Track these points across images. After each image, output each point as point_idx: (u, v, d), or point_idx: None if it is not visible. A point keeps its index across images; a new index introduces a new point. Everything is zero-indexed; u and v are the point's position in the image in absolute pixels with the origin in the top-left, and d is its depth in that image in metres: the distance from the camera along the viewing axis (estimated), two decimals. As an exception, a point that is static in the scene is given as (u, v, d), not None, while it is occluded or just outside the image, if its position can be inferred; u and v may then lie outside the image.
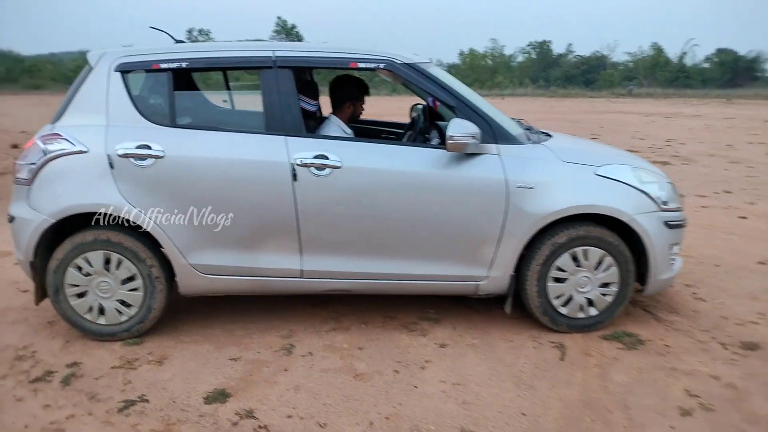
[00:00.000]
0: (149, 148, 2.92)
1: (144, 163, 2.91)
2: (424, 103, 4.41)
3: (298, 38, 53.53)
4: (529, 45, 67.06)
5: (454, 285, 3.15)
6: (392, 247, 3.06)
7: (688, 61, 67.31)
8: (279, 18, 59.46)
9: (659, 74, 61.78)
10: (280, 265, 3.06)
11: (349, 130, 3.49)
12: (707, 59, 66.96)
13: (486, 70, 58.71)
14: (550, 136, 3.49)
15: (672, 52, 67.17)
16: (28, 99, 28.72)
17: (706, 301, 3.69)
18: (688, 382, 2.71)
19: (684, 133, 14.50)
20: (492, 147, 3.01)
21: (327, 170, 2.92)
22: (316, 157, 2.92)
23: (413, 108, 4.58)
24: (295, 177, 2.91)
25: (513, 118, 3.56)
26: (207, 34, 56.49)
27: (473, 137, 2.87)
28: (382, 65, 3.04)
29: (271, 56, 3.01)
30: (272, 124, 2.98)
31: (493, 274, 3.11)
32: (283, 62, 3.01)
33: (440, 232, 3.03)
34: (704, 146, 11.70)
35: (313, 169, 2.92)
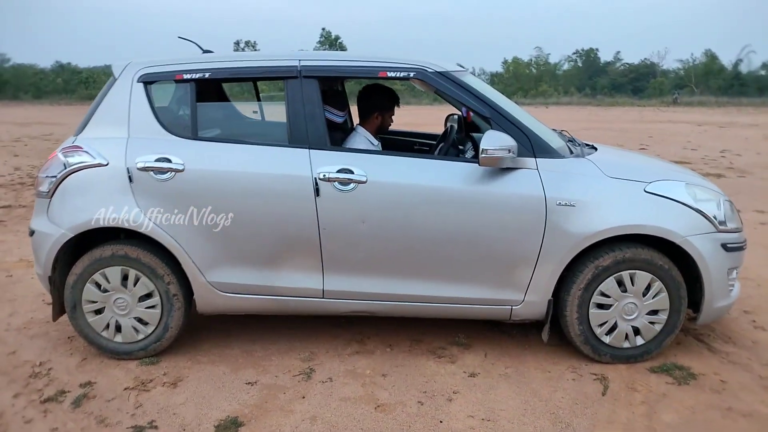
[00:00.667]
0: (169, 161, 2.82)
1: (163, 176, 2.81)
2: (459, 112, 4.26)
3: (342, 49, 54.06)
4: (575, 53, 65.96)
5: (486, 309, 2.93)
6: (420, 267, 2.87)
7: (744, 69, 64.78)
8: (323, 29, 60.21)
9: (712, 82, 59.64)
10: (300, 284, 2.91)
11: (376, 142, 3.32)
12: (764, 66, 64.34)
13: (530, 78, 57.92)
14: (594, 148, 3.23)
15: (726, 59, 64.84)
16: (82, 109, 29.86)
17: (767, 330, 3.35)
18: (746, 426, 2.41)
19: (739, 143, 13.76)
20: (530, 161, 2.78)
21: (351, 185, 2.76)
22: (339, 171, 2.77)
23: (448, 118, 4.39)
24: (317, 192, 2.76)
25: (554, 130, 3.31)
26: (253, 46, 57.63)
27: (509, 151, 2.65)
28: (412, 74, 2.86)
29: (296, 66, 2.88)
30: (296, 136, 2.84)
31: (529, 298, 2.87)
32: (309, 72, 2.87)
33: (472, 253, 2.82)
34: (762, 158, 11.04)
35: (336, 183, 2.76)
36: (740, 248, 2.91)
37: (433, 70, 2.87)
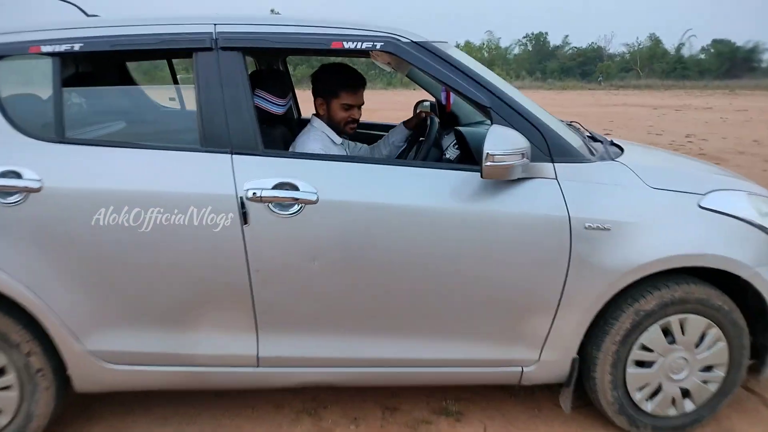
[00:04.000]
0: (18, 176, 1.87)
1: (10, 199, 1.86)
2: (432, 99, 3.41)
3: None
4: (525, 37, 66.26)
5: (487, 373, 2.14)
6: (396, 320, 2.04)
7: (685, 53, 66.66)
8: (273, 11, 58.07)
9: (656, 65, 61.05)
10: (225, 349, 2.03)
11: (339, 141, 2.46)
12: (704, 50, 66.32)
13: (482, 62, 57.49)
14: (619, 148, 2.44)
15: (669, 44, 66.50)
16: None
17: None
18: None
19: (701, 127, 13.49)
20: (546, 167, 1.98)
21: (296, 207, 1.89)
22: (278, 186, 1.89)
23: (418, 105, 3.55)
24: (245, 218, 1.88)
25: (563, 122, 2.52)
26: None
27: (522, 155, 1.84)
28: (379, 45, 1.99)
29: (210, 33, 1.97)
30: (211, 135, 1.94)
31: (546, 357, 2.09)
32: (229, 41, 1.96)
33: (469, 298, 2.01)
34: (729, 142, 10.69)
35: (273, 205, 1.88)
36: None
37: (408, 40, 2.01)
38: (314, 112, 2.46)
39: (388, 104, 17.80)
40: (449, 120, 3.20)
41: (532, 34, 65.70)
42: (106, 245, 1.90)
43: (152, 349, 2.01)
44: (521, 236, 1.96)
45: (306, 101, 4.23)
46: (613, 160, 2.15)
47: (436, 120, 2.47)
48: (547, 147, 1.99)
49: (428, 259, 1.96)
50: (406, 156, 2.62)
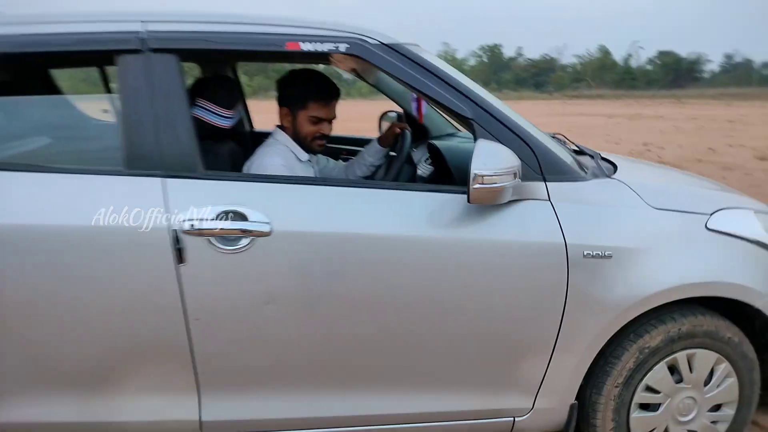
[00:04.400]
0: None
1: None
2: (399, 109, 3.13)
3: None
4: (480, 48, 67.40)
5: (472, 426, 1.84)
6: (366, 371, 1.73)
7: (633, 64, 69.11)
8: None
9: (606, 76, 63.02)
10: (161, 414, 1.67)
11: (305, 157, 2.12)
12: (650, 61, 68.91)
13: (438, 73, 58.02)
14: (612, 163, 2.19)
15: (618, 55, 68.82)
16: None
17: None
18: None
19: (656, 136, 13.69)
20: (538, 187, 1.71)
21: (244, 241, 1.56)
22: (221, 216, 1.56)
23: (383, 118, 3.27)
24: (180, 256, 1.54)
25: (548, 134, 2.26)
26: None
27: (514, 175, 1.57)
28: (343, 47, 1.69)
29: (138, 32, 1.62)
30: (139, 154, 1.60)
31: (541, 404, 1.81)
32: (161, 42, 1.62)
33: (451, 341, 1.72)
34: (686, 151, 10.83)
35: (215, 239, 1.55)
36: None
37: (377, 41, 1.72)
38: (278, 124, 2.14)
39: (349, 115, 17.56)
40: (419, 133, 2.93)
41: (487, 46, 66.91)
42: (7, 289, 1.52)
43: (67, 418, 1.64)
44: (511, 267, 1.68)
45: (261, 112, 3.90)
46: (608, 177, 1.90)
47: (408, 134, 2.18)
48: (538, 164, 1.72)
49: (404, 297, 1.66)
50: (384, 177, 2.24)
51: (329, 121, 2.12)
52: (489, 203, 1.58)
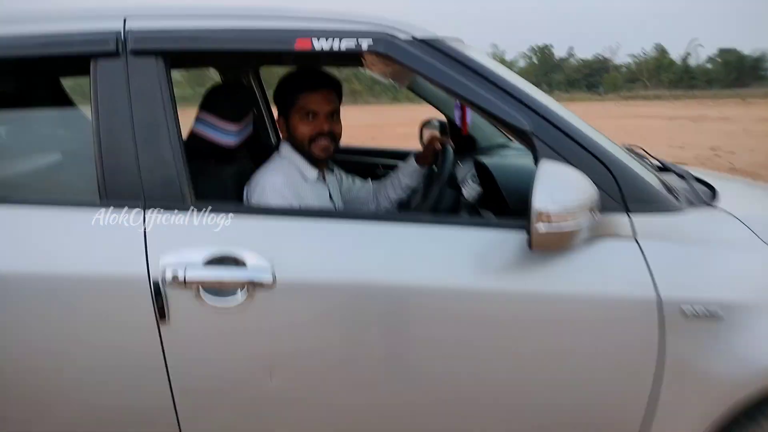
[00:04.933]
0: None
1: None
2: (442, 117, 2.75)
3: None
4: (530, 49, 66.05)
5: None
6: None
7: (692, 62, 66.26)
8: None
9: (663, 76, 60.59)
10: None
11: (313, 175, 1.77)
12: (710, 60, 65.83)
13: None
14: (709, 186, 1.74)
15: (675, 53, 66.18)
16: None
17: None
18: None
19: (724, 139, 12.75)
20: (620, 222, 1.30)
21: (240, 293, 1.23)
22: (213, 261, 1.23)
23: (425, 126, 2.90)
24: (162, 312, 1.23)
25: (625, 147, 1.84)
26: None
27: (591, 210, 1.17)
28: (366, 43, 1.33)
29: (116, 32, 1.32)
30: (115, 181, 1.29)
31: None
32: (143, 42, 1.31)
33: (501, 423, 1.34)
34: (758, 155, 9.96)
35: (205, 291, 1.23)
36: None
37: (409, 36, 1.36)
38: (285, 137, 1.80)
39: (396, 119, 17.25)
40: (464, 144, 2.55)
41: (537, 46, 65.52)
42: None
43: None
44: (583, 330, 1.29)
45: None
46: (708, 205, 1.47)
47: (450, 150, 1.79)
48: (620, 191, 1.31)
49: (442, 367, 1.29)
50: (421, 203, 1.79)
51: (329, 115, 1.72)
52: (557, 250, 1.19)
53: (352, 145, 2.94)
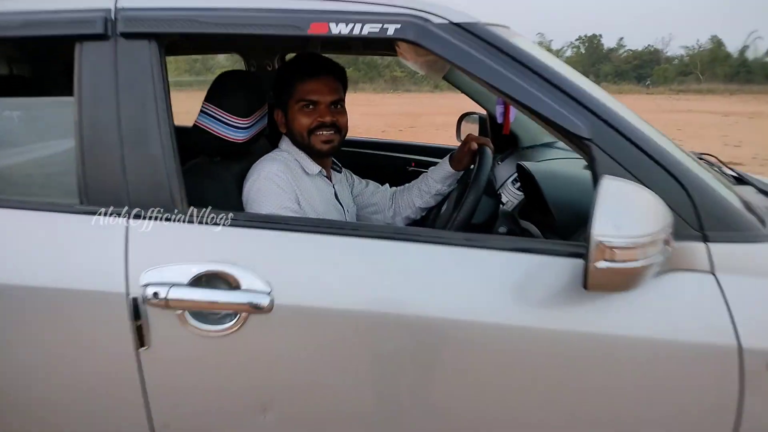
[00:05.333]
0: None
1: None
2: (483, 111, 2.52)
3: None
4: (578, 39, 64.26)
5: None
6: None
7: (750, 55, 63.28)
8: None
9: (718, 69, 58.07)
10: None
11: (315, 169, 1.56)
12: (768, 53, 62.75)
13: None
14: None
15: (732, 46, 63.42)
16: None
17: None
18: None
19: (783, 138, 12.02)
20: (694, 251, 1.06)
21: (232, 319, 1.05)
22: (201, 279, 1.06)
23: (464, 119, 2.67)
24: (141, 336, 1.06)
25: (696, 155, 1.57)
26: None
27: (665, 242, 0.94)
28: (394, 29, 1.11)
29: (106, 11, 1.14)
30: (97, 182, 1.12)
31: None
32: (135, 24, 1.13)
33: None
34: (824, 157, 9.31)
35: (191, 315, 1.05)
36: None
37: (445, 20, 1.13)
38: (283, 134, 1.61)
39: (435, 108, 16.91)
40: (505, 141, 2.31)
41: (585, 36, 63.69)
42: None
43: None
44: (643, 382, 1.06)
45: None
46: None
47: (489, 153, 1.54)
48: (697, 215, 1.07)
49: (467, 412, 1.08)
50: (453, 214, 1.46)
51: (332, 105, 1.51)
52: (619, 291, 0.96)
53: (382, 138, 2.73)
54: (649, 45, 64.52)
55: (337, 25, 1.12)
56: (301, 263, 1.08)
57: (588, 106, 1.10)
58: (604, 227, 0.87)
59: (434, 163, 2.52)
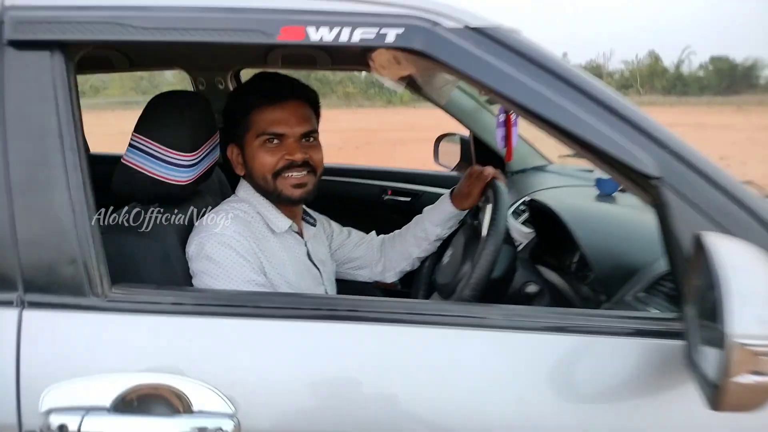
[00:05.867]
0: None
1: None
2: (465, 132, 2.25)
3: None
4: (524, 55, 66.38)
5: None
6: None
7: (685, 70, 66.54)
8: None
9: (657, 82, 60.71)
10: None
11: (284, 225, 1.20)
12: (701, 67, 66.04)
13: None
14: None
15: (668, 60, 66.57)
16: None
17: None
18: None
19: (731, 148, 12.39)
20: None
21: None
22: (130, 403, 0.72)
23: (443, 140, 2.41)
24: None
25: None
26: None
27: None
28: (394, 34, 0.81)
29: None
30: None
31: None
32: (29, 29, 0.79)
33: None
34: (771, 166, 9.60)
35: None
36: None
37: (461, 23, 0.84)
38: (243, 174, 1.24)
39: (389, 124, 16.72)
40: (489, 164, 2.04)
41: (531, 51, 65.79)
42: None
43: None
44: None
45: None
46: None
47: (503, 189, 1.24)
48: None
49: None
50: (461, 266, 1.18)
51: (302, 138, 1.17)
52: (754, 410, 0.68)
53: (352, 165, 2.44)
54: (591, 59, 66.99)
55: (317, 30, 0.81)
56: (281, 365, 0.76)
57: (654, 135, 0.83)
58: (745, 322, 0.58)
59: (413, 192, 2.26)
